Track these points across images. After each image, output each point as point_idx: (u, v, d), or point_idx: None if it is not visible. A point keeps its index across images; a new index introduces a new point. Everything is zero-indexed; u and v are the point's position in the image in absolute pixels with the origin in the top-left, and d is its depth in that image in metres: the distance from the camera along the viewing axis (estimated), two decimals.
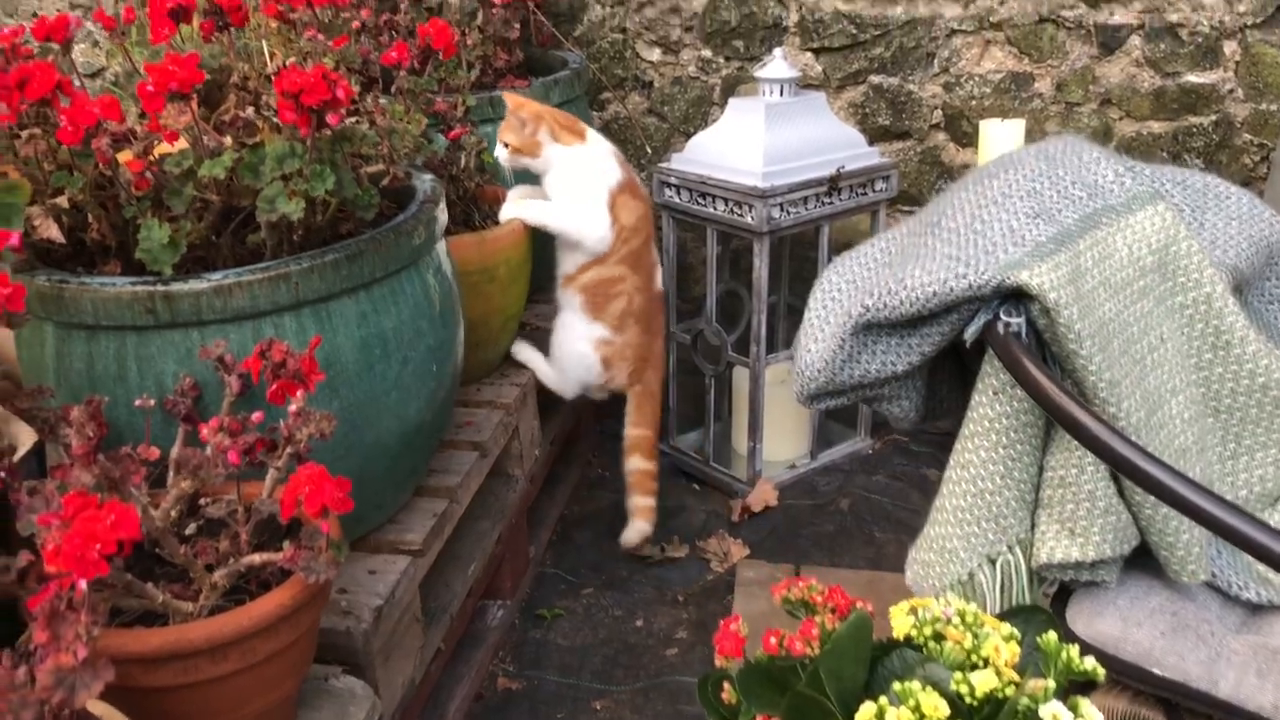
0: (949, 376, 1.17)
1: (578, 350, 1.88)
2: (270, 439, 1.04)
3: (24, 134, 1.13)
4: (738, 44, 2.32)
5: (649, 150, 2.41)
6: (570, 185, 1.80)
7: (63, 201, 1.13)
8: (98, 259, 1.21)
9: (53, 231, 1.12)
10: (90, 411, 0.92)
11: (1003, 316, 0.96)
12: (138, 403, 1.15)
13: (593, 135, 1.84)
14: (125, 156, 1.12)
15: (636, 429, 1.94)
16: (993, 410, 1.00)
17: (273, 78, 1.13)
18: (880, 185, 2.10)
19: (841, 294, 1.08)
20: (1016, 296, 0.97)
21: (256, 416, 1.04)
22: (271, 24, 1.46)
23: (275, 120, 1.11)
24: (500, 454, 1.74)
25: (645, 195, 1.90)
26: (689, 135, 2.39)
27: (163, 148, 1.15)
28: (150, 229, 1.13)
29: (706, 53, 2.34)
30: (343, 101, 1.04)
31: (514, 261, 1.79)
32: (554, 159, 1.79)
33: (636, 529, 1.90)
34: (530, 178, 1.84)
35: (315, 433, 1.02)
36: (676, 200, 2.08)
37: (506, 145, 1.77)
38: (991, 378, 1.01)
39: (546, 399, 1.95)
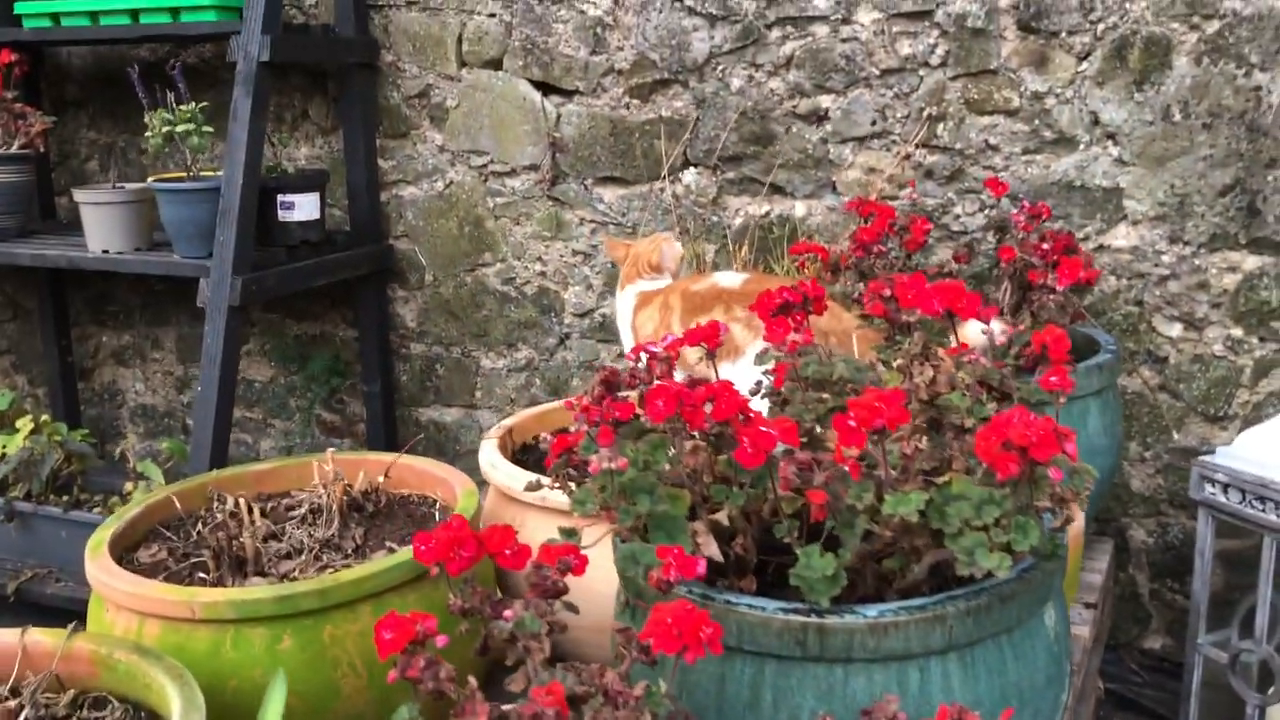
0: None
1: None
2: None
3: (688, 445, 1.12)
4: (1276, 326, 2.11)
5: (1175, 435, 2.20)
6: None
7: (722, 517, 1.10)
8: (730, 572, 1.16)
9: (713, 549, 1.08)
10: None
11: None
12: None
13: None
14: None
15: None
16: None
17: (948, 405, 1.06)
18: None
19: None
20: None
21: None
22: (868, 334, 1.43)
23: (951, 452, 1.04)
24: None
25: None
26: (1209, 418, 2.18)
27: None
28: (810, 557, 1.07)
29: (1237, 332, 2.14)
30: (1072, 456, 0.95)
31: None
32: None
33: None
34: None
35: None
36: (1222, 499, 1.86)
37: None
38: None
39: None
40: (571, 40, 2.54)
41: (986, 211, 2.28)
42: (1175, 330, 2.19)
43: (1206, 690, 1.98)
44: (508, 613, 0.98)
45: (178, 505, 1.66)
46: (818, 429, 1.15)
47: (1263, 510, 1.81)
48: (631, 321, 1.90)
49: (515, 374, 2.80)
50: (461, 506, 1.58)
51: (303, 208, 2.57)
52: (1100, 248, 2.21)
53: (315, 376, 2.98)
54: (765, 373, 1.38)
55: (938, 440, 1.13)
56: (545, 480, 1.27)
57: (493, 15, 2.61)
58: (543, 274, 2.72)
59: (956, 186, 2.30)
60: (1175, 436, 2.20)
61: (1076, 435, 1.85)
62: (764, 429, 1.07)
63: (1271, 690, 1.86)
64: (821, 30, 2.33)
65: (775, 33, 2.37)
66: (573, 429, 1.26)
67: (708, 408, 1.07)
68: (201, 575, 1.51)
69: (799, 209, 2.44)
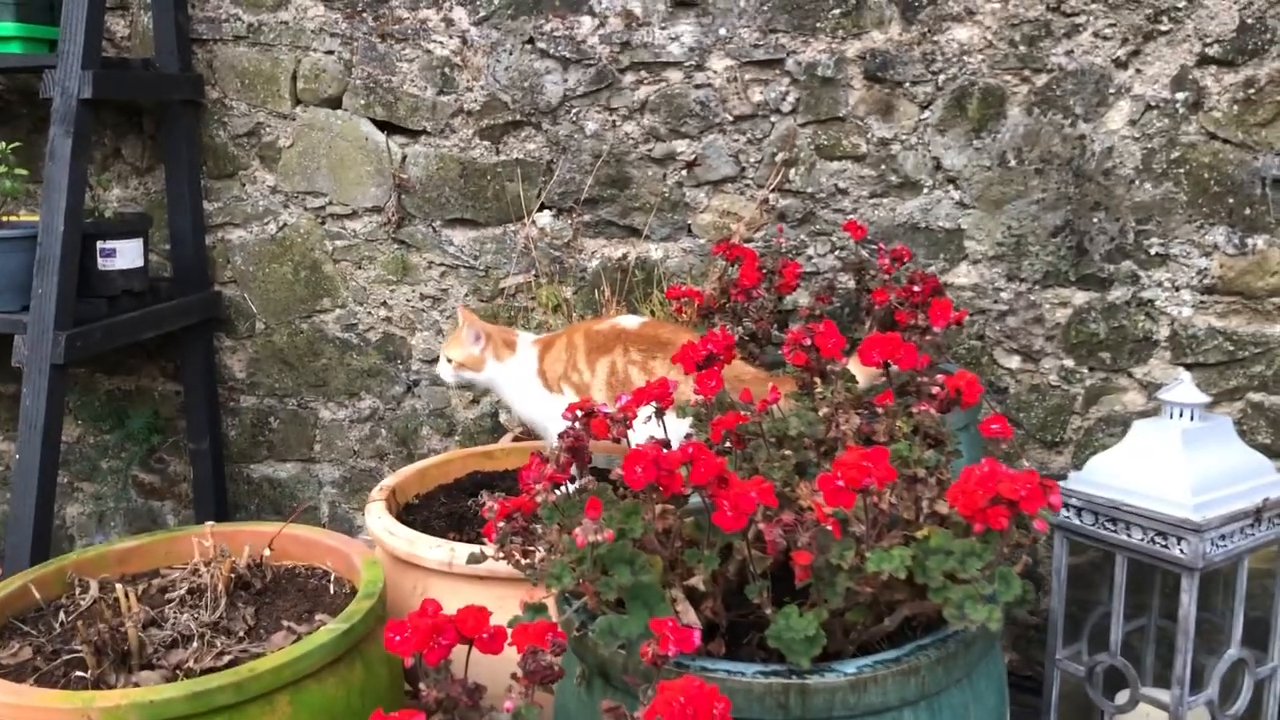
0: None
1: None
2: None
3: (658, 508, 1.10)
4: (1104, 355, 2.28)
5: (1021, 462, 2.33)
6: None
7: (698, 582, 1.08)
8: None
9: (693, 617, 1.06)
10: None
11: None
12: None
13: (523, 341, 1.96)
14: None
15: None
16: None
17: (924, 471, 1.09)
18: None
19: None
20: None
21: None
22: (785, 381, 1.44)
23: (936, 511, 1.06)
24: None
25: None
26: (1046, 444, 2.33)
27: None
28: (789, 618, 1.07)
29: (1069, 362, 2.30)
30: (1056, 507, 0.98)
31: None
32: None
33: None
34: None
35: None
36: (1076, 522, 1.99)
37: (450, 360, 1.94)
38: None
39: None
40: (417, 80, 2.47)
41: (837, 253, 2.36)
42: (1014, 362, 2.33)
43: (1061, 702, 2.10)
44: (508, 704, 0.92)
45: (36, 594, 1.49)
46: (784, 487, 1.15)
47: (1114, 530, 1.94)
48: (538, 368, 1.87)
49: (359, 425, 2.69)
50: (367, 579, 1.49)
51: (125, 255, 2.38)
52: (945, 285, 2.33)
53: (133, 435, 2.76)
54: (693, 425, 1.37)
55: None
56: (489, 550, 1.21)
57: (331, 52, 2.50)
58: (388, 319, 2.62)
59: (808, 229, 2.37)
60: (1025, 464, 2.33)
61: None
62: (748, 495, 1.05)
63: (1125, 699, 1.99)
64: (675, 76, 2.36)
65: (629, 77, 2.38)
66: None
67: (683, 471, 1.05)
68: (79, 674, 1.36)
69: (655, 251, 2.45)
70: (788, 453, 1.17)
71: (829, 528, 1.04)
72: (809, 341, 1.41)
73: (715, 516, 1.05)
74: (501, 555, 1.22)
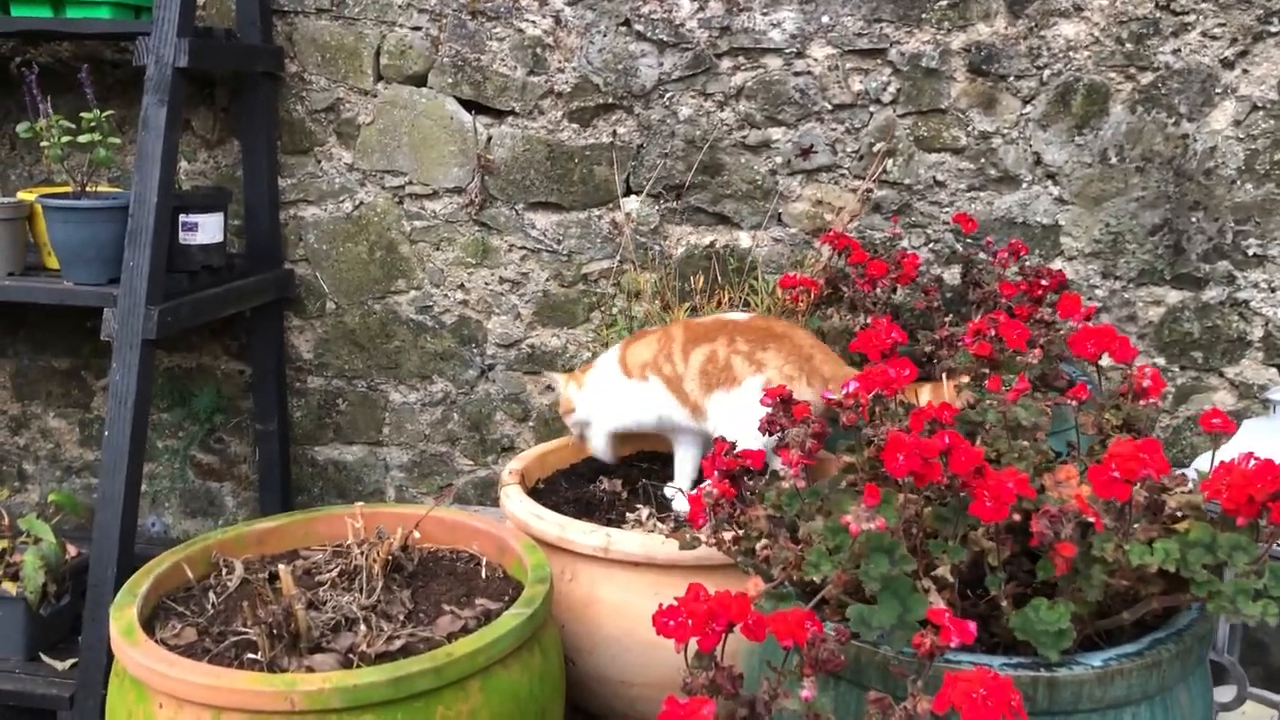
0: None
1: None
2: None
3: (900, 498, 1.08)
4: (1195, 354, 2.29)
5: None
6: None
7: (945, 573, 1.06)
8: None
9: (941, 605, 1.04)
10: None
11: None
12: None
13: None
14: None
15: None
16: None
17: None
18: None
19: None
20: None
21: None
22: (960, 381, 1.43)
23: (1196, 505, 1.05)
24: None
25: None
26: None
27: None
28: (1038, 610, 1.05)
29: (1160, 360, 2.31)
30: None
31: None
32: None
33: None
34: None
35: None
36: None
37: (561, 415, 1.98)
38: None
39: None
40: (507, 59, 2.43)
41: (932, 245, 2.35)
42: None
43: None
44: (806, 693, 0.90)
45: (189, 573, 1.45)
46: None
47: None
48: (619, 357, 1.90)
49: (430, 408, 2.64)
50: (533, 563, 1.46)
51: (206, 229, 2.32)
52: None
53: (195, 414, 2.70)
54: (880, 409, 1.36)
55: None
56: (702, 536, 1.19)
57: (418, 29, 2.45)
58: (464, 302, 2.58)
59: (904, 220, 2.36)
60: None
61: None
62: (1007, 485, 1.04)
63: (1230, 697, 2.00)
64: (774, 63, 2.33)
65: (727, 63, 2.35)
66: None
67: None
68: (250, 655, 1.32)
69: (744, 239, 2.43)
70: (1025, 444, 1.16)
71: (1091, 519, 1.03)
72: (993, 332, 1.39)
73: (974, 507, 1.04)
74: (713, 541, 1.20)
